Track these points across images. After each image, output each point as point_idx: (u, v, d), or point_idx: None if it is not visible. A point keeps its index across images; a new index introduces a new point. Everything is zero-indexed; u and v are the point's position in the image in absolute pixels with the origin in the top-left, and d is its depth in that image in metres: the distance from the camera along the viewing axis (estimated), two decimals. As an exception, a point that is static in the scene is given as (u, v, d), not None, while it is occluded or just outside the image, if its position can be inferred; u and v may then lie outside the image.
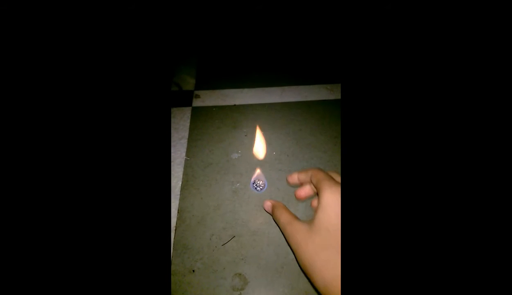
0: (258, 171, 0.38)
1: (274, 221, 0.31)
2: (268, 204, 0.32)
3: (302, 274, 0.31)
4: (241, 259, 0.32)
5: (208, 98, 0.53)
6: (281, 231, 0.29)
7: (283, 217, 0.28)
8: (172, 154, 0.43)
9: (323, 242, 0.23)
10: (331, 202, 0.24)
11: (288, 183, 0.33)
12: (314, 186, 0.29)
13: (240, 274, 0.31)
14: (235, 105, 0.51)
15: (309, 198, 0.33)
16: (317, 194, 0.28)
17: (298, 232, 0.26)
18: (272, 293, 0.30)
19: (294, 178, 0.32)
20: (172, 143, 0.45)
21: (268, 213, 0.32)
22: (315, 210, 0.26)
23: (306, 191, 0.32)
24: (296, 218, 0.28)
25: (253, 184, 0.38)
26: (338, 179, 0.29)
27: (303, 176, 0.31)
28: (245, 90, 0.55)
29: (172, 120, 0.48)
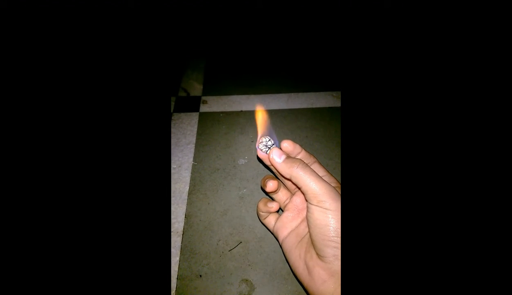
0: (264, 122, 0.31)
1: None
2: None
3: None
4: (248, 265, 0.32)
5: (215, 104, 0.53)
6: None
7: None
8: (179, 159, 0.44)
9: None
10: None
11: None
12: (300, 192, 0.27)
13: (247, 280, 0.31)
14: (241, 111, 0.52)
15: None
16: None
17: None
18: (279, 300, 0.30)
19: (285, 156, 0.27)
20: (180, 148, 0.45)
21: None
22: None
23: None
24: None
25: (261, 143, 0.29)
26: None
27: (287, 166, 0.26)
28: (252, 96, 0.55)
29: (180, 125, 0.49)
